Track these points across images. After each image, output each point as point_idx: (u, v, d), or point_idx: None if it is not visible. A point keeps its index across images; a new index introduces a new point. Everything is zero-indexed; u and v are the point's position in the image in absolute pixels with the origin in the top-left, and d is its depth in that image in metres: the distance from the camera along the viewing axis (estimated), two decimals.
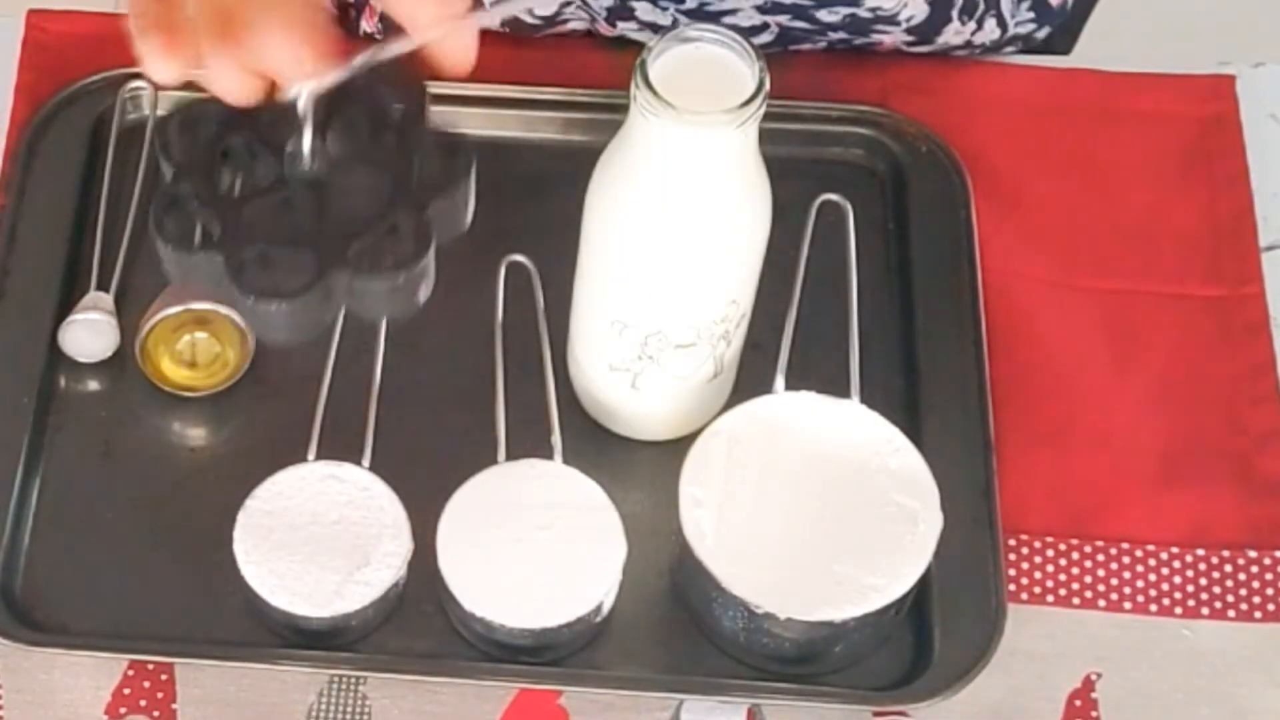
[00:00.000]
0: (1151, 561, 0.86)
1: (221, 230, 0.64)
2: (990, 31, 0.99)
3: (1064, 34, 1.07)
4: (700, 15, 0.96)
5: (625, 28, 0.98)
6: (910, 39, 0.97)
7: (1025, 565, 0.86)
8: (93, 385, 0.90)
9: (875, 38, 0.97)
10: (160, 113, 0.95)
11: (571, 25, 1.00)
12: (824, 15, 0.95)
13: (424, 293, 0.66)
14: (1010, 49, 1.02)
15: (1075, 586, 0.86)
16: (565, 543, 0.82)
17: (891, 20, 0.95)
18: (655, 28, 0.97)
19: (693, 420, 0.86)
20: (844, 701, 0.82)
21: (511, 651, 0.82)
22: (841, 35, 0.97)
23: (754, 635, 0.81)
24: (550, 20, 0.99)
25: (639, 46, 0.75)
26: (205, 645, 0.83)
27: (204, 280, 0.65)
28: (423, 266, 0.65)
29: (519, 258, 0.92)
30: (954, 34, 0.98)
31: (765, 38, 0.97)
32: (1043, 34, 1.02)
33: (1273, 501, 0.88)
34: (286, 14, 0.65)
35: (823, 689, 0.83)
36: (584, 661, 0.83)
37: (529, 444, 0.86)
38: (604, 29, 0.99)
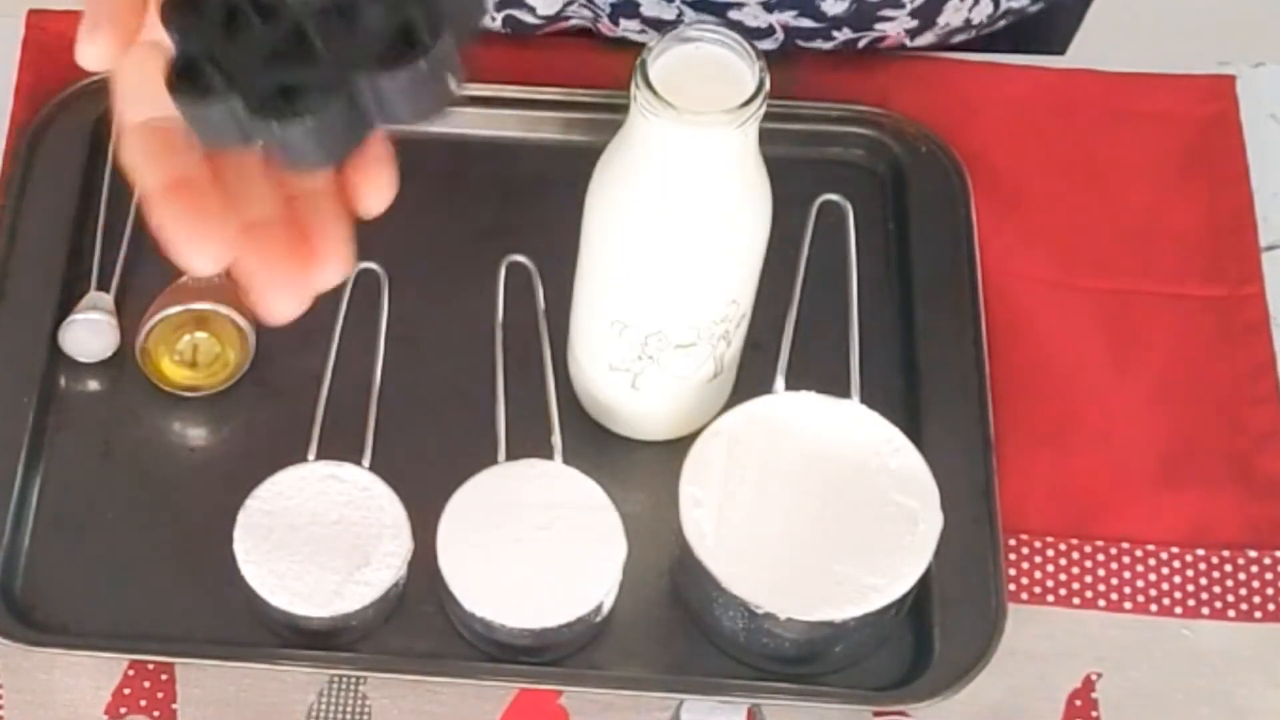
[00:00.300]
0: (1151, 561, 0.86)
1: (236, 75, 0.63)
2: (985, 7, 0.99)
3: (1059, 15, 1.07)
4: (706, 8, 0.96)
5: (628, 26, 0.98)
6: (913, 24, 0.97)
7: (1025, 565, 0.86)
8: (93, 385, 0.90)
9: (880, 29, 0.97)
10: None
11: (573, 23, 1.00)
12: (829, 6, 0.95)
13: (454, 84, 0.64)
14: (1003, 21, 1.01)
15: (1075, 586, 0.86)
16: (565, 543, 0.82)
17: (895, 3, 0.95)
18: (659, 24, 0.97)
19: (693, 420, 0.86)
20: (844, 701, 0.82)
21: (511, 651, 0.82)
22: (846, 34, 0.97)
23: (754, 635, 0.81)
24: (552, 18, 0.99)
25: (639, 46, 0.75)
26: (205, 645, 0.83)
27: (229, 133, 0.64)
28: (444, 52, 0.64)
29: (519, 258, 0.92)
30: (953, 12, 0.97)
31: (769, 44, 0.97)
32: (1035, 9, 1.02)
33: (1273, 501, 0.88)
34: None
35: (823, 689, 0.83)
36: (584, 661, 0.83)
37: (529, 444, 0.86)
38: (606, 28, 0.99)
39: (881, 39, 0.98)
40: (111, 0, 0.62)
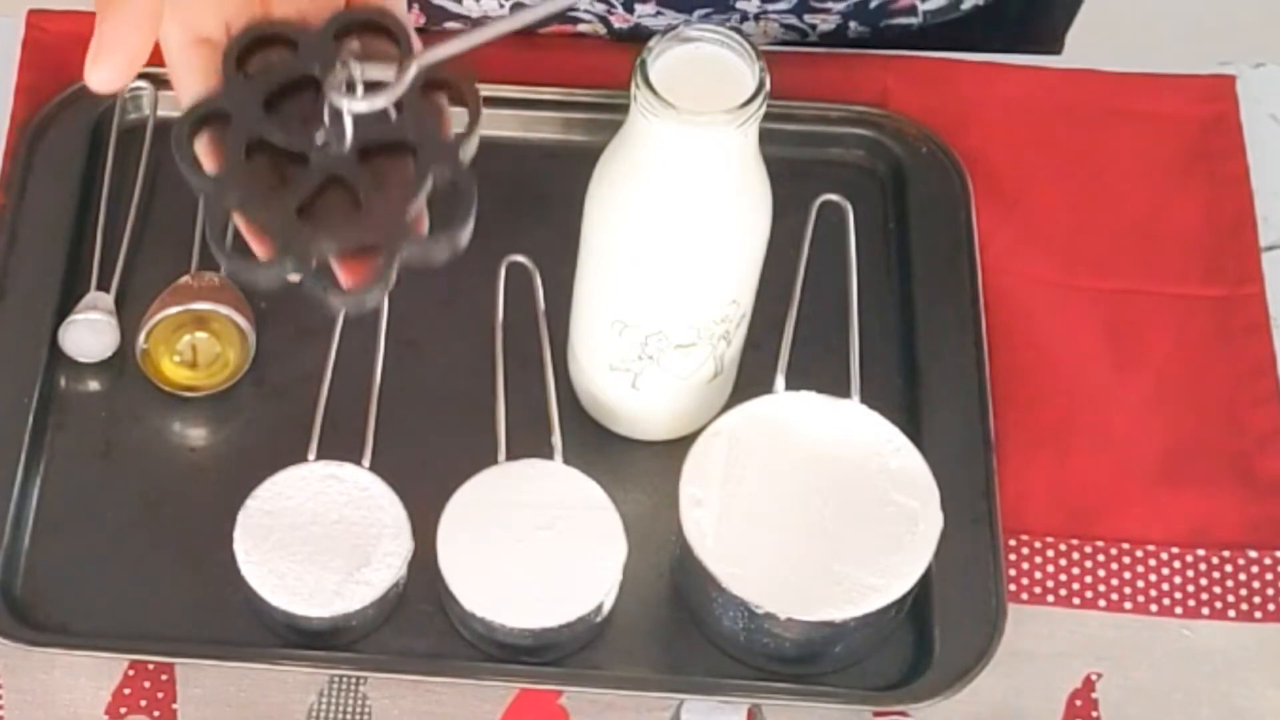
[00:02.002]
0: (1151, 561, 0.86)
1: (285, 238, 0.64)
2: None
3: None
4: None
5: (643, 11, 0.98)
6: None
7: (1025, 565, 0.86)
8: (93, 385, 0.90)
9: None
10: (165, 119, 0.96)
11: (581, 28, 0.99)
12: None
13: (469, 233, 0.66)
14: None
15: (1075, 586, 0.86)
16: (565, 543, 0.82)
17: None
18: (675, 3, 0.97)
19: (693, 420, 0.86)
20: (844, 701, 0.82)
21: (511, 651, 0.82)
22: None
23: (754, 635, 0.81)
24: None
25: (640, 46, 0.75)
26: (205, 645, 0.83)
27: (273, 287, 0.65)
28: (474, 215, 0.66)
29: (519, 258, 0.92)
30: None
31: (783, 4, 0.97)
32: None
33: (1273, 501, 0.88)
34: None
35: (823, 689, 0.83)
36: (584, 661, 0.83)
37: (529, 444, 0.86)
38: (620, 19, 0.98)
39: (893, 0, 0.98)
40: (118, 24, 0.63)
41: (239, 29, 0.65)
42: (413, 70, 0.64)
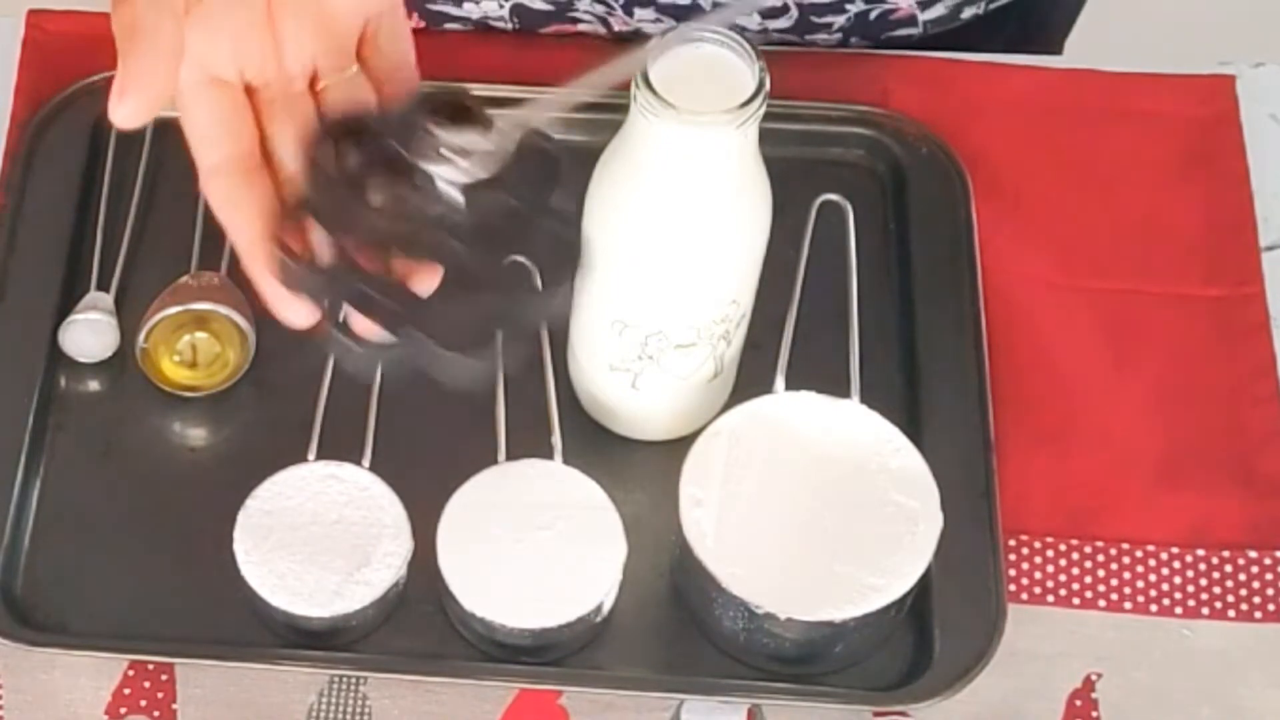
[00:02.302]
0: (1151, 562, 0.86)
1: (405, 313, 0.64)
2: None
3: (1058, 5, 1.07)
4: None
5: (643, 16, 0.98)
6: None
7: (1025, 565, 0.86)
8: (93, 385, 0.90)
9: (892, 2, 0.97)
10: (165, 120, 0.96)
11: (581, 27, 0.99)
12: None
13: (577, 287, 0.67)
14: (995, 3, 1.02)
15: (1075, 586, 0.86)
16: (565, 543, 0.82)
17: None
18: (674, 10, 0.97)
19: (693, 420, 0.86)
20: (844, 701, 0.82)
21: (511, 651, 0.82)
22: (859, 6, 0.97)
23: (754, 635, 0.81)
24: (563, 6, 0.98)
25: (642, 46, 0.75)
26: (205, 645, 0.83)
27: (403, 364, 0.65)
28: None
29: (520, 258, 0.92)
30: None
31: (784, 22, 0.97)
32: None
33: (1273, 501, 0.88)
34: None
35: (823, 689, 0.83)
36: (584, 661, 0.83)
37: (529, 444, 0.86)
38: (620, 22, 0.98)
39: (893, 11, 0.98)
40: (141, 59, 0.63)
41: (316, 124, 0.66)
42: (508, 132, 0.64)
